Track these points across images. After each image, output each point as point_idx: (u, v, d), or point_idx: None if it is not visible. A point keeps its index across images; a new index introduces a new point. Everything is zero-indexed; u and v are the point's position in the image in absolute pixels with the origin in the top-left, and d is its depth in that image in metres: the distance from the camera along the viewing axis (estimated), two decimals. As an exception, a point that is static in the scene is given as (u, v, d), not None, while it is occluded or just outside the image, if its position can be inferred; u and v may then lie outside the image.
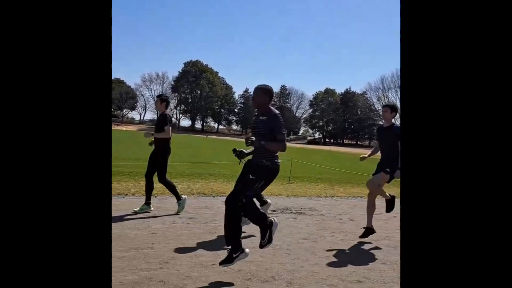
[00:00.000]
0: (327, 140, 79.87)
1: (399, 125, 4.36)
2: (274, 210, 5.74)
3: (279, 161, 3.19)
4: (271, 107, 3.19)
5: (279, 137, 3.08)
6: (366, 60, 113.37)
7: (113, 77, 76.63)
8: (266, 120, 3.10)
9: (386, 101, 73.62)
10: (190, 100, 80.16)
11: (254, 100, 3.23)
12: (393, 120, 4.57)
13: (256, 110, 3.31)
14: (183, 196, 5.25)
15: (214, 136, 64.20)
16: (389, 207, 4.69)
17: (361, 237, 4.42)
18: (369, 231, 4.43)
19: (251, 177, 3.05)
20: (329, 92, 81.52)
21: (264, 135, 3.06)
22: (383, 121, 4.67)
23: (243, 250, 3.06)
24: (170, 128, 5.11)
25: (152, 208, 5.13)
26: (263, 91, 3.20)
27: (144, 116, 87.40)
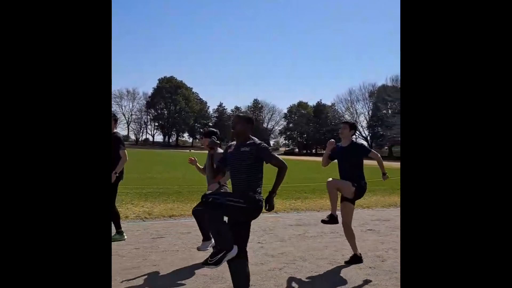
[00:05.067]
0: (302, 151, 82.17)
1: (360, 143, 4.30)
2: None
3: (262, 197, 2.96)
4: (252, 136, 3.06)
5: (275, 161, 2.94)
6: (335, 72, 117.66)
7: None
8: (249, 150, 2.92)
9: (354, 111, 76.98)
10: (165, 116, 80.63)
11: (236, 129, 3.04)
12: (352, 138, 4.34)
13: (234, 139, 3.11)
14: (124, 235, 4.85)
15: (193, 151, 64.79)
16: (328, 221, 4.21)
17: (346, 262, 4.22)
18: (356, 258, 4.22)
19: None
20: (302, 105, 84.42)
21: (249, 166, 2.90)
22: (341, 139, 4.34)
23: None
24: (125, 151, 4.69)
25: (125, 236, 4.84)
26: (246, 120, 3.07)
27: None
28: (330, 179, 4.21)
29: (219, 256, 2.73)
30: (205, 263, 2.77)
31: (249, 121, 3.10)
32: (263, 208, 2.88)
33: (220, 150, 4.38)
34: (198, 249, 4.24)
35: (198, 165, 4.51)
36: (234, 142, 3.11)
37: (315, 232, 5.75)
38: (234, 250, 2.78)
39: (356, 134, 4.02)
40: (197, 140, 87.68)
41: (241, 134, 3.03)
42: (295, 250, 4.69)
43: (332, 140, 4.35)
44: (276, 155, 3.01)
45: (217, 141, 3.29)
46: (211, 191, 3.00)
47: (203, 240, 4.25)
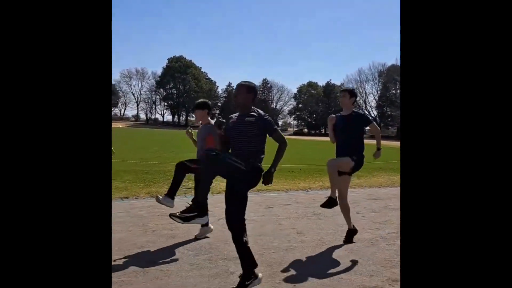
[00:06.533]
0: (311, 131, 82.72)
1: (362, 112, 4.18)
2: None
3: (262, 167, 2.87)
4: (254, 108, 2.91)
5: (277, 135, 2.87)
6: (345, 52, 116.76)
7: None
8: (254, 121, 2.81)
9: (363, 92, 76.95)
10: (175, 95, 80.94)
11: (237, 99, 2.88)
12: (353, 107, 4.11)
13: (238, 109, 2.94)
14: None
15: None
16: (328, 204, 4.00)
17: (345, 241, 4.14)
18: (352, 232, 4.20)
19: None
20: (312, 85, 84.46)
21: (253, 136, 2.80)
22: (342, 108, 4.12)
23: (256, 276, 2.80)
24: None
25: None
26: (248, 89, 2.88)
27: (124, 112, 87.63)
28: (330, 159, 3.97)
29: (190, 215, 2.71)
30: (173, 215, 2.73)
31: (251, 90, 2.90)
32: (261, 181, 2.82)
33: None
34: (157, 200, 4.00)
35: (194, 138, 4.51)
36: (236, 114, 2.98)
37: (396, 205, 6.44)
38: (205, 218, 2.78)
39: (365, 114, 3.41)
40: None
41: (243, 105, 2.89)
42: (395, 220, 5.38)
43: (332, 115, 4.15)
44: (280, 132, 2.91)
45: (221, 119, 3.05)
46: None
47: (166, 195, 4.01)
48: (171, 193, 4.02)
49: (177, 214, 2.72)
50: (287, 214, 5.54)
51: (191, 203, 2.83)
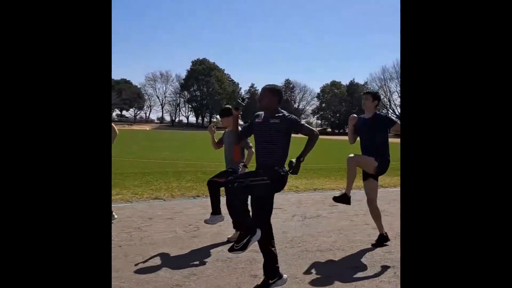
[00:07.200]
0: (335, 130, 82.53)
1: (384, 114, 4.10)
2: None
3: (286, 169, 2.92)
4: (280, 109, 2.96)
5: (305, 129, 2.92)
6: (368, 51, 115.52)
7: (118, 78, 79.31)
8: (279, 122, 2.86)
9: (387, 90, 76.04)
10: (199, 98, 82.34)
11: (263, 102, 2.95)
12: (376, 110, 4.10)
13: (264, 111, 2.99)
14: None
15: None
16: (340, 198, 3.98)
17: (374, 245, 4.10)
18: (383, 239, 4.13)
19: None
20: (335, 84, 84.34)
21: (277, 138, 2.86)
22: (364, 110, 4.11)
23: (280, 276, 2.89)
24: (113, 125, 4.62)
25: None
26: (273, 92, 2.96)
27: (149, 115, 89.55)
28: (352, 155, 3.95)
29: (244, 241, 2.75)
30: (231, 250, 2.77)
31: (276, 93, 2.98)
32: (288, 175, 2.91)
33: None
34: (206, 221, 4.25)
35: (215, 136, 4.51)
36: (263, 113, 3.01)
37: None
38: (258, 234, 2.80)
39: (389, 112, 3.23)
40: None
41: (268, 108, 2.95)
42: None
43: (353, 115, 4.18)
44: (306, 124, 2.99)
45: (242, 102, 3.18)
46: (233, 176, 3.01)
47: (212, 214, 4.22)
48: (215, 210, 4.23)
49: (234, 247, 2.78)
50: (353, 211, 5.86)
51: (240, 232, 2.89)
